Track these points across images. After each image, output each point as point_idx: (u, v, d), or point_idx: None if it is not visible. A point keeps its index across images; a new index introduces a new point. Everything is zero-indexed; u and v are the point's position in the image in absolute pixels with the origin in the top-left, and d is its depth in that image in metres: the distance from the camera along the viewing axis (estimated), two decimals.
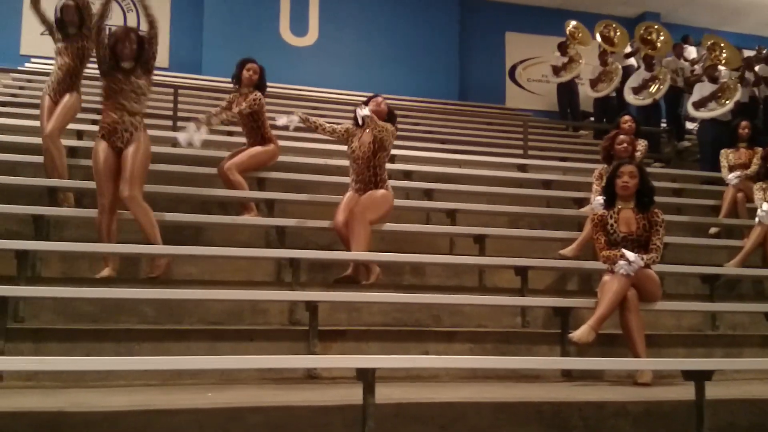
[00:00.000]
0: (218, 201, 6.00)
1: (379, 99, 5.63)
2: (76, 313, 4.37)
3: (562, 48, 12.53)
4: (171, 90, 8.37)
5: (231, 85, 6.59)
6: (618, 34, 11.87)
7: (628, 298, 4.35)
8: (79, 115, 6.95)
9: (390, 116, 5.59)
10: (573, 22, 12.54)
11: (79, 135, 7.06)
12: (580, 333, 4.20)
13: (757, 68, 10.43)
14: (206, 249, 5.08)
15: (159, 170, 5.91)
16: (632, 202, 4.62)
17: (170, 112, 8.20)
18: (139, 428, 2.95)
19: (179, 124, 8.20)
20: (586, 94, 12.13)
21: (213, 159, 6.44)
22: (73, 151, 6.26)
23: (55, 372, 3.70)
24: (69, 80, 5.70)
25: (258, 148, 6.09)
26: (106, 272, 4.77)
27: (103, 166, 4.80)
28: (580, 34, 12.33)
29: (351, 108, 8.71)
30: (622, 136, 5.99)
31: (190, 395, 3.42)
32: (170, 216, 5.34)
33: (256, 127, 6.08)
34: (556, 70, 12.51)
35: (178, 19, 13.11)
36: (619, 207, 4.62)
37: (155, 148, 5.55)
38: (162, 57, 12.58)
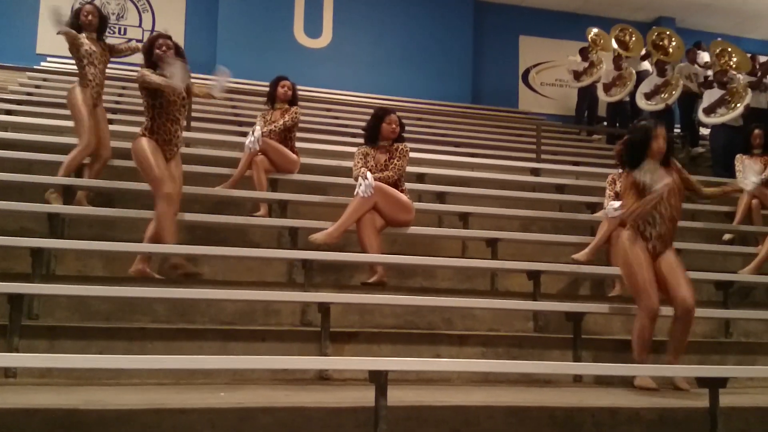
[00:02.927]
0: (231, 201, 6.02)
1: (394, 117, 5.57)
2: (90, 311, 4.40)
3: (584, 53, 12.51)
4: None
5: (243, 86, 6.66)
6: (633, 39, 11.83)
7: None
8: None
9: (401, 130, 5.60)
10: (595, 29, 12.50)
11: None
12: None
13: None
14: (219, 249, 5.08)
15: None
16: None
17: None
18: (152, 427, 2.96)
19: (192, 124, 8.26)
20: (600, 98, 12.10)
21: (226, 159, 6.47)
22: None
23: (69, 369, 3.71)
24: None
25: (288, 151, 6.26)
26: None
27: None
28: (602, 41, 12.30)
29: (364, 110, 8.75)
30: None
31: (203, 394, 3.43)
32: (183, 216, 5.36)
33: (287, 138, 6.30)
34: (577, 75, 12.49)
35: (192, 19, 13.20)
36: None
37: None
38: None
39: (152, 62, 5.01)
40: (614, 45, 11.84)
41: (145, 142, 4.92)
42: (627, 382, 4.45)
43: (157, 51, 5.00)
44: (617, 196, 5.91)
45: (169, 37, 5.13)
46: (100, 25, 5.89)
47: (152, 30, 13.00)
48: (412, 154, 7.66)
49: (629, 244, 4.28)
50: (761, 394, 4.32)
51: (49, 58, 11.49)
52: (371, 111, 5.83)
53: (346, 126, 9.77)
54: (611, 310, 4.97)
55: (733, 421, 3.58)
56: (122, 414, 3.01)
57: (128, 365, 3.53)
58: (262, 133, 6.06)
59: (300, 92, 6.99)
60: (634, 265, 4.24)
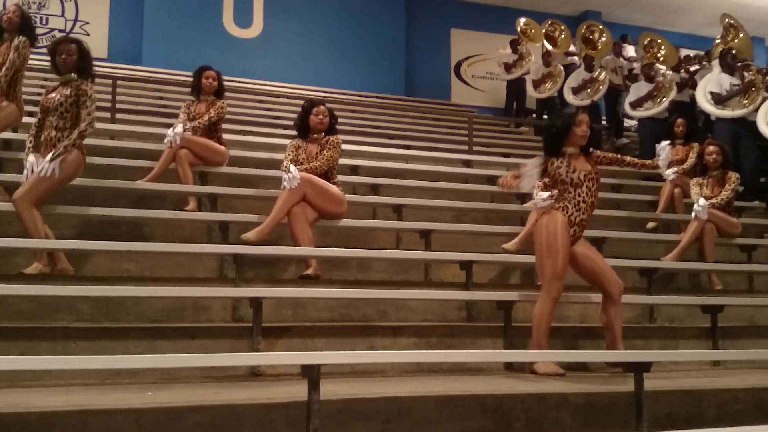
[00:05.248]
0: (158, 195, 5.87)
1: (322, 108, 5.52)
2: (11, 311, 4.22)
3: (514, 45, 12.70)
4: (109, 81, 8.18)
5: (171, 77, 6.49)
6: (563, 36, 12.08)
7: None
8: None
9: (332, 121, 5.55)
10: (524, 19, 12.71)
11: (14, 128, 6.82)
12: None
13: (693, 69, 10.76)
14: (145, 245, 4.96)
15: (96, 163, 5.75)
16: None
17: (108, 104, 8.00)
18: (76, 429, 2.86)
19: (117, 116, 8.04)
20: (528, 93, 12.31)
21: (152, 152, 6.30)
22: (6, 144, 6.06)
23: None
24: None
25: (214, 143, 6.12)
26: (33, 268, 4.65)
27: None
28: (532, 31, 12.51)
29: (295, 102, 8.67)
30: None
31: (129, 395, 3.34)
32: (108, 210, 5.21)
33: (214, 131, 6.14)
34: (508, 67, 12.68)
35: (117, 7, 12.81)
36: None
37: (93, 141, 5.42)
38: (101, 47, 12.28)
39: (56, 67, 4.89)
40: (544, 40, 12.07)
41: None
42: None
43: (58, 58, 4.84)
44: (545, 187, 6.02)
45: (75, 41, 4.95)
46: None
47: (75, 19, 12.58)
48: (346, 146, 7.67)
49: (563, 229, 4.32)
50: (684, 377, 4.48)
51: None
52: (303, 102, 5.77)
53: (278, 118, 9.67)
54: None
55: (657, 403, 3.68)
56: (45, 416, 2.90)
57: (51, 366, 3.43)
58: (185, 129, 5.93)
59: (230, 83, 6.89)
60: (560, 249, 4.31)
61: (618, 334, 4.44)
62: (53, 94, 4.85)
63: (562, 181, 4.41)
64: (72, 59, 4.84)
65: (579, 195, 4.38)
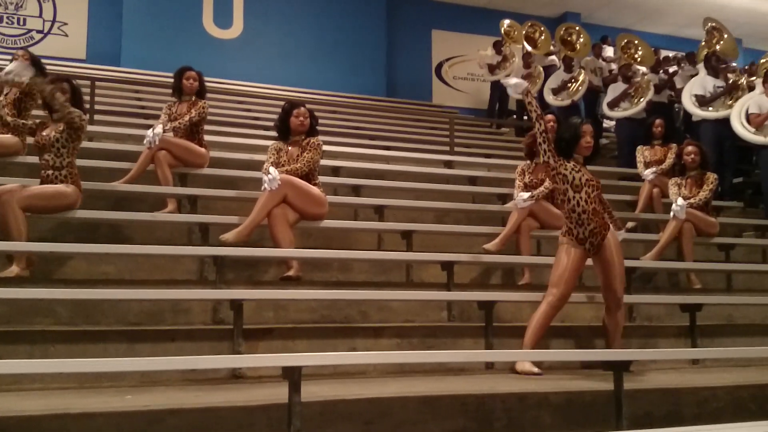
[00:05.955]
0: (137, 197, 5.82)
1: (302, 110, 5.51)
2: None
3: (497, 46, 12.75)
4: (88, 82, 8.11)
5: (150, 78, 6.44)
6: (542, 37, 12.15)
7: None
8: None
9: (312, 123, 5.54)
10: (507, 21, 12.77)
11: None
12: None
13: (672, 70, 10.88)
14: (124, 247, 4.92)
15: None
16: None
17: (87, 105, 7.92)
18: None
19: (96, 117, 7.97)
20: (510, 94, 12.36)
21: (131, 154, 6.26)
22: None
23: None
24: None
25: (194, 145, 6.09)
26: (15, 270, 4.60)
27: None
28: (515, 33, 12.57)
29: (276, 103, 8.62)
30: None
31: (109, 398, 3.31)
32: (86, 213, 5.16)
33: (195, 132, 6.11)
34: (492, 69, 12.73)
35: (96, 7, 12.69)
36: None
37: None
38: (79, 48, 12.18)
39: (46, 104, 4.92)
40: (524, 41, 12.13)
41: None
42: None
43: None
44: (526, 187, 6.05)
45: (68, 80, 4.97)
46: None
47: (53, 20, 12.45)
48: (327, 148, 7.66)
49: (561, 250, 4.46)
50: (663, 375, 4.52)
51: None
52: (284, 104, 5.75)
53: (259, 119, 9.64)
54: (521, 298, 5.09)
55: (637, 402, 3.71)
56: (24, 421, 2.87)
57: (30, 370, 3.38)
58: (165, 130, 5.90)
59: (211, 84, 6.86)
60: (560, 261, 4.42)
61: (611, 341, 4.54)
62: (47, 131, 4.87)
63: (564, 178, 4.44)
64: (67, 96, 4.88)
65: (578, 204, 4.42)
